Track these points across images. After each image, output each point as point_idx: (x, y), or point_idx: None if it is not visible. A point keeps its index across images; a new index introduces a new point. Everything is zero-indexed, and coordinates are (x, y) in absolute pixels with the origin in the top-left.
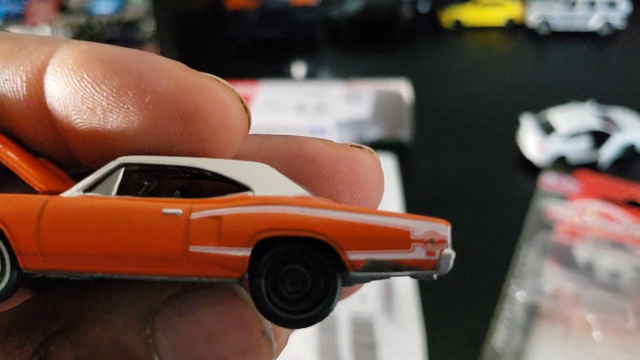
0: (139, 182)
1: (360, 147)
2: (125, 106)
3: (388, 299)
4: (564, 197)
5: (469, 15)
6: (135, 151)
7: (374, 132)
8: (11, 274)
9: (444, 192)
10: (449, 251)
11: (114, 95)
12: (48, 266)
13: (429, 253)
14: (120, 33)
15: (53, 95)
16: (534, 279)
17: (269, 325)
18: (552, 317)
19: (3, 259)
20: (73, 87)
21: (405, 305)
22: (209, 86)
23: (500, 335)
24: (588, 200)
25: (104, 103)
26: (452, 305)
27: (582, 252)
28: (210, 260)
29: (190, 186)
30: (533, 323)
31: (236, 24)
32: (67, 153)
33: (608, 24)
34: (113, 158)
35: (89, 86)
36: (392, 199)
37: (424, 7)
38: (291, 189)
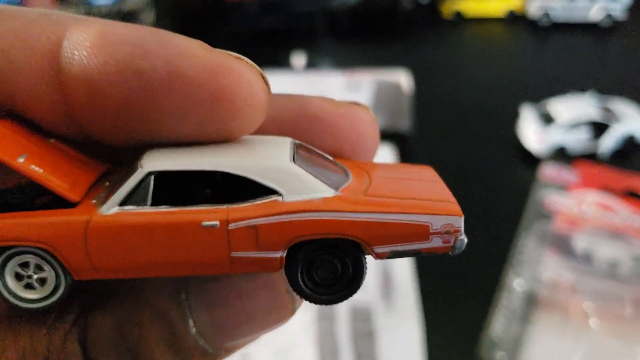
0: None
1: (358, 104)
2: (153, 91)
3: (387, 288)
4: (563, 187)
5: (470, 6)
6: (162, 134)
7: None
8: (65, 284)
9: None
10: (462, 238)
11: (142, 79)
12: (100, 276)
13: (445, 241)
14: None
15: (73, 76)
16: (532, 268)
17: None
18: (550, 306)
19: (57, 274)
20: (96, 70)
21: (404, 293)
22: (234, 67)
23: (499, 324)
24: (587, 190)
25: (131, 87)
26: (451, 294)
27: (580, 242)
28: (251, 262)
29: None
30: (531, 311)
31: (237, 15)
32: (79, 131)
33: (609, 16)
34: (139, 142)
35: (114, 71)
36: None
37: None
38: (317, 189)
